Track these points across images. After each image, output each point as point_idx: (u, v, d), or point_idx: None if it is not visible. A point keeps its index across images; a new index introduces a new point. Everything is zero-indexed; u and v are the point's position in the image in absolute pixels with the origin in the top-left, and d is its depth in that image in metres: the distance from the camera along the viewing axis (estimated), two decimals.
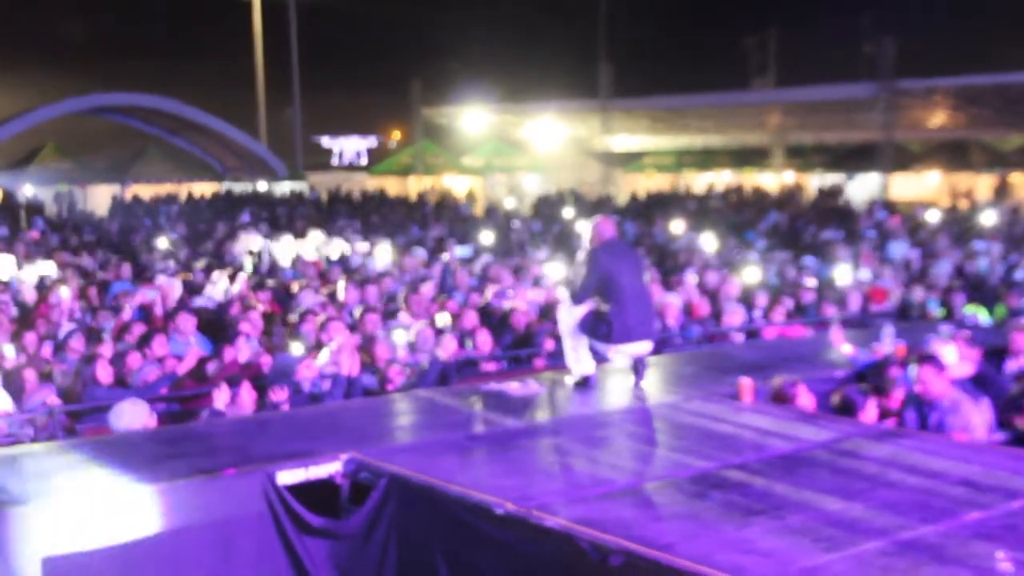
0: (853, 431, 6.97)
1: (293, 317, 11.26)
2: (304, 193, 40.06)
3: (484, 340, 10.78)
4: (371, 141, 54.09)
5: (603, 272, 8.23)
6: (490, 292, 13.17)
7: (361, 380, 9.19)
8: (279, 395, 8.55)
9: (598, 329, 8.29)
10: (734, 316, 12.61)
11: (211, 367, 9.78)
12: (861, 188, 35.96)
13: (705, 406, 7.79)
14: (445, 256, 17.47)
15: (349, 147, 53.35)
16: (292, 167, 45.20)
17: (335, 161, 53.19)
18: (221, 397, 8.30)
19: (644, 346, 8.51)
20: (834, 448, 6.53)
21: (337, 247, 18.83)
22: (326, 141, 53.29)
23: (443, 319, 10.38)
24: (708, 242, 19.35)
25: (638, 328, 8.32)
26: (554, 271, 14.81)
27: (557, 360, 10.16)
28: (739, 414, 7.50)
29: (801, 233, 22.08)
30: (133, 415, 7.83)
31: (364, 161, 53.66)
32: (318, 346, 9.85)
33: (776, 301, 13.03)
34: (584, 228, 8.45)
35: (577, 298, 8.46)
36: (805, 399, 7.86)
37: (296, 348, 9.70)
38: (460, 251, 17.58)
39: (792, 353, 9.86)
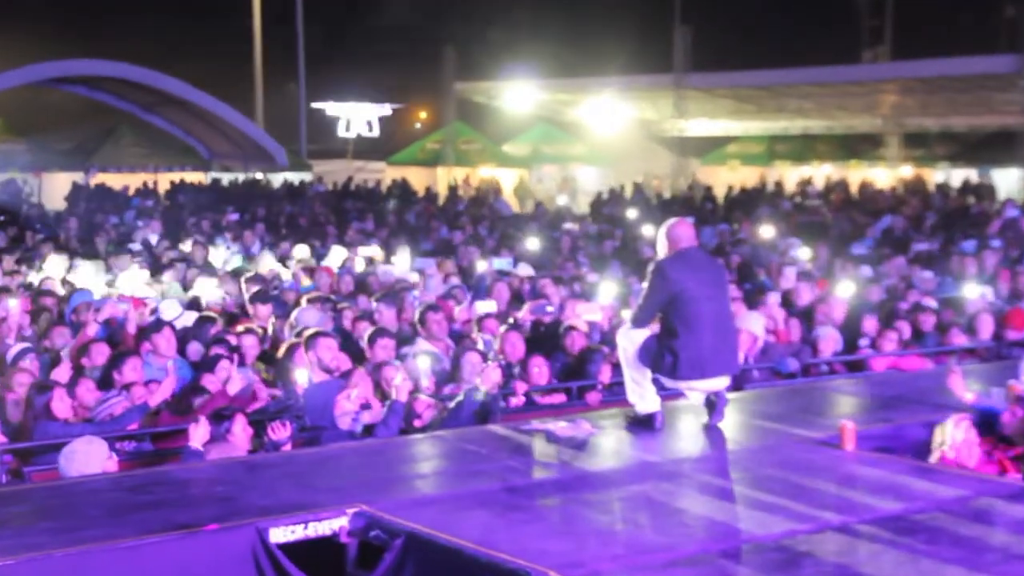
0: (981, 488, 6.92)
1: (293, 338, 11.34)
2: (308, 185, 40.33)
3: (539, 369, 10.83)
4: (385, 109, 54.28)
5: (673, 289, 8.24)
6: (527, 308, 13.18)
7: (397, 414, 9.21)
8: (279, 432, 8.62)
9: (661, 360, 8.30)
10: (834, 343, 12.53)
11: (196, 398, 9.86)
12: (999, 186, 35.64)
13: (796, 454, 7.77)
14: (481, 266, 17.51)
15: (359, 115, 53.57)
16: (294, 154, 45.53)
17: (341, 131, 53.40)
18: (198, 433, 8.34)
19: (720, 382, 8.50)
20: (957, 509, 6.49)
21: (338, 255, 18.95)
22: (331, 108, 53.56)
23: (483, 341, 10.46)
24: (804, 252, 19.27)
25: (714, 360, 8.32)
26: (613, 286, 14.81)
27: (615, 394, 10.17)
28: (839, 464, 7.48)
29: (921, 242, 21.92)
30: (87, 457, 7.84)
31: (376, 132, 53.81)
32: (328, 372, 9.92)
33: (888, 325, 12.95)
34: (653, 233, 8.45)
35: (638, 320, 8.49)
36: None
37: (300, 375, 9.77)
38: (499, 263, 17.62)
39: (907, 390, 9.81)
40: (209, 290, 15.04)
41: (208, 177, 42.45)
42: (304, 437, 9.08)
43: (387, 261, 18.85)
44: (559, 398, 10.81)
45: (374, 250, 19.66)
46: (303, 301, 13.49)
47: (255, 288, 14.01)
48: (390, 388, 9.73)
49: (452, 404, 9.39)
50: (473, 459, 7.75)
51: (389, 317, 12.89)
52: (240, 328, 12.14)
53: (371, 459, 7.87)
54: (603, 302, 13.56)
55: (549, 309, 13.16)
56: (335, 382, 9.45)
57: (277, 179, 41.46)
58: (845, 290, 14.58)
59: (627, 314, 9.11)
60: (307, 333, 10.37)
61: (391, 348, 11.04)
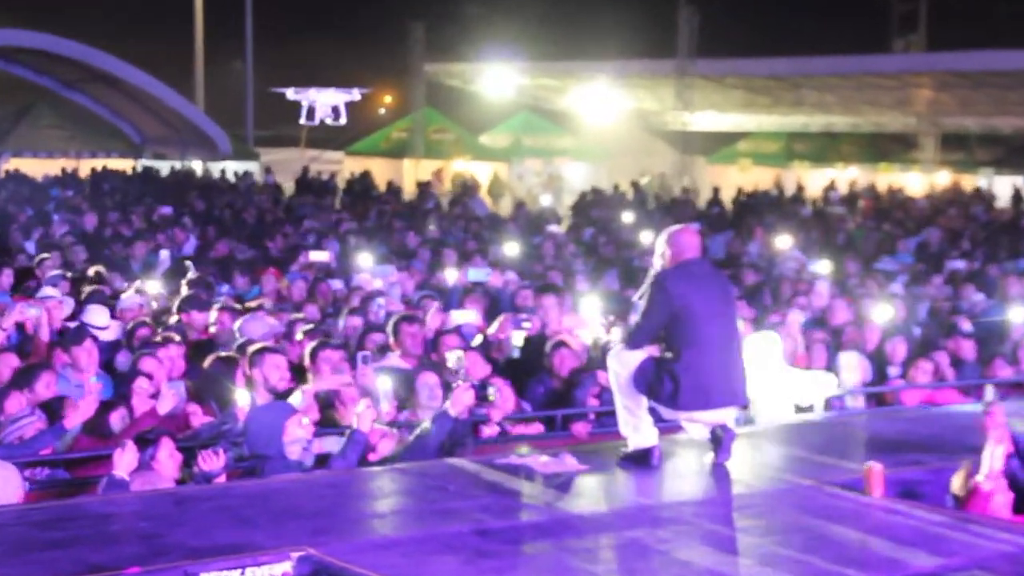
0: None
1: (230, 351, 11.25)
2: (255, 177, 40.27)
3: (502, 394, 10.71)
4: (353, 94, 54.23)
5: (675, 305, 8.23)
6: (499, 322, 13.10)
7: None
8: (212, 462, 8.53)
9: (660, 387, 8.28)
10: (860, 372, 12.53)
11: (116, 419, 9.77)
12: None
13: (815, 500, 7.73)
14: (451, 274, 17.47)
15: (323, 101, 53.49)
16: (239, 141, 45.50)
17: (302, 119, 53.33)
18: (124, 460, 8.26)
19: (727, 413, 8.49)
20: (999, 566, 6.47)
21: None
22: (291, 94, 53.54)
23: (455, 359, 10.33)
24: (826, 267, 19.29)
25: (721, 387, 8.31)
26: (604, 299, 14.77)
27: (605, 425, 10.12)
28: (864, 513, 7.45)
29: (955, 259, 21.99)
30: None
31: (343, 120, 53.77)
32: (275, 393, 9.85)
33: (922, 354, 12.95)
34: (652, 241, 8.42)
35: (633, 340, 8.47)
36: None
37: (242, 397, 9.69)
38: (474, 273, 17.57)
39: (942, 428, 9.80)
40: (132, 296, 14.91)
41: (139, 165, 42.33)
42: (244, 467, 9.00)
43: (343, 266, 18.76)
44: (539, 427, 10.76)
45: (324, 254, 19.54)
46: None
47: (191, 292, 13.94)
48: (346, 414, 9.65)
49: (415, 433, 9.33)
50: (440, 497, 7.69)
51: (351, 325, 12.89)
52: (159, 338, 12.03)
53: (321, 494, 7.81)
54: (597, 316, 13.48)
55: (526, 325, 13.10)
56: (283, 405, 9.38)
57: (219, 168, 41.35)
58: (881, 313, 14.57)
59: (619, 333, 9.04)
60: (252, 348, 10.29)
61: (340, 363, 10.94)
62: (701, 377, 8.20)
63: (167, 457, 8.61)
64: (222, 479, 8.53)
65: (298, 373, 10.77)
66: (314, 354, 10.92)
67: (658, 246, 8.68)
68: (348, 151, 48.78)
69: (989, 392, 10.99)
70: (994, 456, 7.79)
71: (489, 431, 10.36)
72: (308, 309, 14.55)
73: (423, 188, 37.12)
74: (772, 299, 16.86)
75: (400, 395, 10.43)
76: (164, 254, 19.44)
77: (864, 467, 7.98)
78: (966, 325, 14.70)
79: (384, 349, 11.87)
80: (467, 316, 13.63)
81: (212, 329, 12.91)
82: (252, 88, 49.72)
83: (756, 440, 9.42)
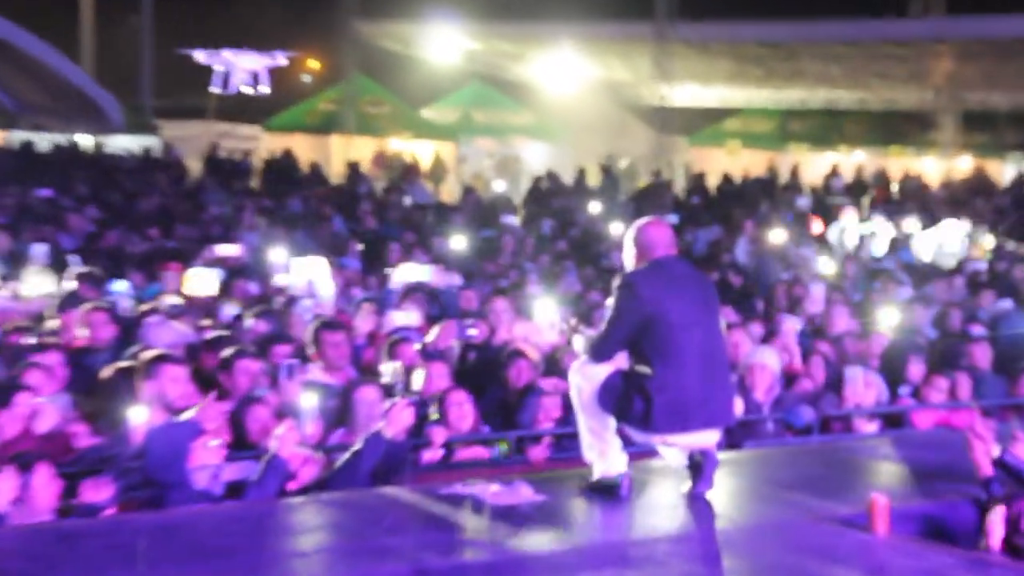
0: None
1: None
2: (154, 153, 40.06)
3: (460, 408, 10.75)
4: (276, 59, 54.06)
5: (646, 311, 8.28)
6: (439, 329, 13.12)
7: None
8: (96, 493, 8.52)
9: (630, 406, 8.32)
10: (864, 390, 12.60)
11: None
12: None
13: (810, 537, 7.79)
14: (389, 273, 17.51)
15: (241, 66, 53.24)
16: (135, 112, 45.28)
17: (214, 87, 53.09)
18: (2, 489, 8.25)
19: (709, 436, 8.54)
20: None
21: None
22: (200, 57, 53.28)
23: (391, 371, 10.33)
24: (826, 265, 19.39)
25: (701, 406, 8.35)
26: (565, 303, 14.83)
27: (567, 449, 10.18)
28: (867, 553, 7.52)
29: (975, 259, 22.15)
30: None
31: (265, 88, 53.57)
32: (174, 410, 9.84)
33: (938, 369, 13.05)
34: (620, 234, 8.48)
35: (599, 351, 8.52)
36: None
37: (137, 414, 9.67)
38: (413, 272, 17.52)
39: (959, 455, 9.83)
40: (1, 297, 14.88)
41: (12, 137, 42.02)
42: (141, 498, 8.99)
43: (258, 263, 18.70)
44: (484, 452, 10.81)
45: (234, 248, 19.47)
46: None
47: (74, 290, 13.90)
48: (261, 435, 9.65)
49: (343, 458, 9.35)
50: (372, 532, 7.71)
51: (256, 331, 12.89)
52: (33, 340, 11.99)
53: (232, 530, 7.81)
54: (556, 323, 13.55)
55: (472, 332, 13.14)
56: (187, 425, 9.35)
57: (112, 144, 41.10)
58: (887, 320, 14.67)
59: (580, 343, 9.06)
60: (146, 356, 10.26)
61: (259, 375, 10.95)
62: (677, 394, 8.24)
63: (44, 485, 8.55)
64: (110, 512, 8.51)
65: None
66: (229, 364, 10.94)
67: (625, 242, 8.74)
68: (266, 126, 48.49)
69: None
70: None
71: (431, 455, 10.39)
72: (222, 310, 14.52)
73: (355, 170, 36.97)
74: (763, 305, 16.97)
75: (325, 414, 10.45)
76: (40, 247, 19.28)
77: (868, 499, 8.05)
78: (978, 330, 14.84)
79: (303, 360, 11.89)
80: (406, 318, 13.63)
81: (82, 333, 12.74)
82: (151, 49, 49.45)
83: (742, 467, 9.48)
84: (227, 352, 11.19)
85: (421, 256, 19.54)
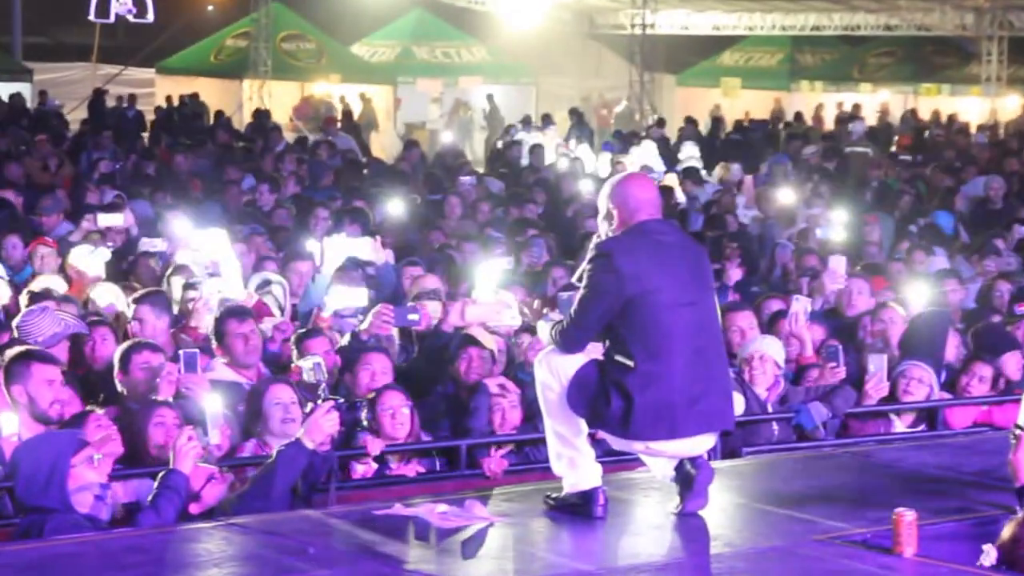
0: None
1: None
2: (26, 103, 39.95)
3: (395, 413, 10.73)
4: None
5: (627, 290, 8.31)
6: (374, 315, 13.05)
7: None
8: None
9: (606, 406, 8.34)
10: (917, 385, 12.57)
11: None
12: None
13: (824, 561, 7.83)
14: (313, 246, 17.46)
15: None
16: (2, 52, 45.11)
17: (91, 15, 52.74)
18: None
19: (702, 443, 8.56)
20: None
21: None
22: None
23: (310, 367, 10.31)
24: (840, 230, 19.37)
25: (691, 407, 8.38)
26: (527, 280, 14.82)
27: (530, 459, 10.29)
28: None
29: None
30: None
31: (150, 16, 53.18)
32: (47, 420, 9.82)
33: (979, 355, 13.08)
34: (592, 193, 8.44)
35: (567, 339, 8.53)
36: None
37: (7, 423, 9.66)
38: (342, 243, 17.45)
39: (1001, 460, 9.89)
40: None
41: None
42: (11, 526, 8.97)
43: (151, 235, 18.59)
44: (430, 462, 10.84)
45: (119, 217, 19.29)
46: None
47: None
48: (164, 447, 9.64)
49: (256, 473, 9.34)
50: (294, 564, 7.72)
51: (156, 328, 12.82)
52: None
53: (125, 562, 7.82)
54: (515, 304, 13.45)
55: (413, 318, 13.12)
56: (66, 436, 9.31)
57: None
58: (915, 296, 14.69)
59: (545, 329, 9.01)
60: (11, 354, 10.20)
61: (160, 369, 10.93)
62: (663, 392, 8.27)
63: None
64: None
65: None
66: (126, 358, 10.94)
67: (600, 203, 8.73)
68: (161, 67, 48.40)
69: None
70: None
71: (364, 469, 10.39)
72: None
73: (263, 120, 36.81)
74: (765, 279, 16.98)
75: (231, 420, 10.43)
76: None
77: (892, 515, 8.07)
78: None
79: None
80: (352, 297, 13.48)
81: None
82: None
83: (742, 479, 9.52)
84: (124, 346, 11.20)
85: (352, 226, 19.44)
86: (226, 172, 26.18)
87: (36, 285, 14.45)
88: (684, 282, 8.44)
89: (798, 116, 38.76)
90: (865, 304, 14.72)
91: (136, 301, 13.28)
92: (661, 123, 38.07)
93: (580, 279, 8.58)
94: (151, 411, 10.19)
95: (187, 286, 14.53)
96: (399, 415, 10.72)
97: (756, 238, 20.60)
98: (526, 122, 36.85)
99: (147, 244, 17.03)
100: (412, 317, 12.98)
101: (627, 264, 8.30)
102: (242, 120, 39.63)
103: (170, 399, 10.55)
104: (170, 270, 15.33)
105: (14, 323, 12.34)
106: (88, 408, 10.04)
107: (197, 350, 11.21)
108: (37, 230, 18.76)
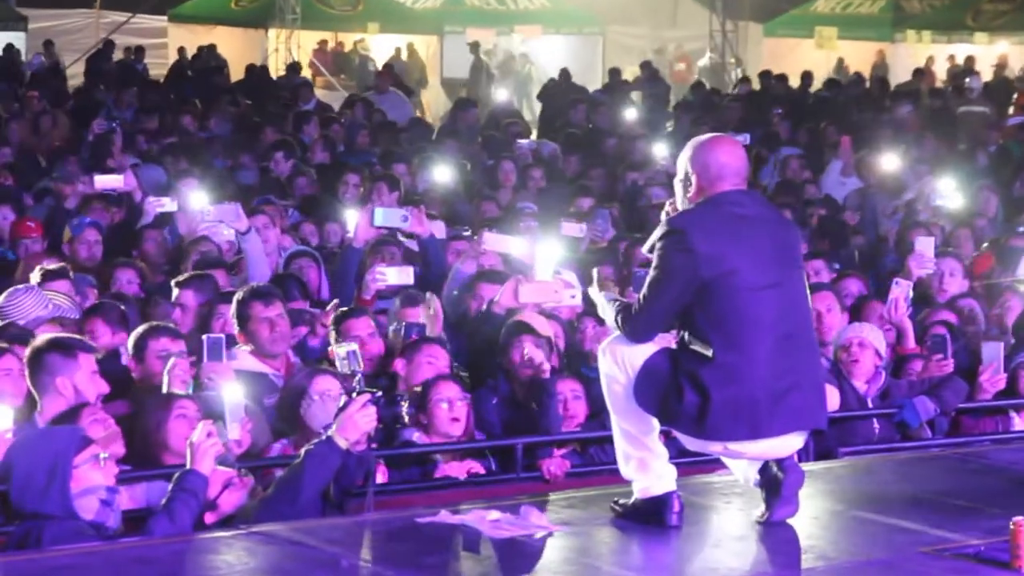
0: None
1: None
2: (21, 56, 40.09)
3: (449, 406, 10.79)
4: None
5: (704, 272, 8.36)
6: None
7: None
8: None
9: (680, 402, 8.39)
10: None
11: None
12: None
13: (931, 575, 7.87)
14: (351, 216, 17.54)
15: None
16: None
17: None
18: None
19: (789, 443, 8.61)
20: None
21: None
22: None
23: (343, 355, 10.34)
24: (953, 200, 19.37)
25: (777, 403, 8.42)
26: (589, 258, 14.88)
27: (595, 460, 10.35)
28: None
29: None
30: None
31: None
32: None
33: None
34: (669, 159, 8.48)
35: (636, 326, 8.58)
36: None
37: (1, 417, 9.75)
38: (383, 216, 17.50)
39: None
40: None
41: None
42: (6, 534, 9.06)
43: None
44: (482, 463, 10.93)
45: (119, 179, 19.27)
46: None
47: None
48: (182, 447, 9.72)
49: (281, 476, 9.40)
50: None
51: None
52: None
53: (134, 575, 7.88)
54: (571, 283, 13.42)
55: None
56: (68, 433, 9.39)
57: None
58: None
59: (609, 312, 8.94)
60: (48, 339, 10.24)
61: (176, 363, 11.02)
62: (745, 386, 8.33)
63: None
64: None
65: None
66: (141, 344, 11.03)
67: (679, 168, 8.76)
68: (173, 15, 48.39)
69: None
70: None
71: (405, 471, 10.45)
72: (121, 274, 14.55)
73: (294, 75, 36.80)
74: (867, 258, 16.97)
75: (254, 413, 10.47)
76: None
77: (1010, 525, 8.08)
78: None
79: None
80: (397, 276, 13.48)
81: None
82: None
83: (837, 482, 9.55)
84: (140, 330, 11.29)
85: (390, 195, 19.46)
86: (264, 134, 26.06)
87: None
88: (767, 261, 8.46)
89: (914, 72, 38.52)
90: (958, 287, 14.70)
91: (179, 285, 13.39)
92: (746, 80, 37.94)
93: (650, 252, 8.57)
94: (171, 403, 10.17)
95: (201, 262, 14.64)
96: (455, 408, 10.75)
97: (853, 210, 20.60)
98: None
99: (154, 204, 17.06)
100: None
101: (703, 243, 8.32)
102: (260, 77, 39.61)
103: (189, 391, 10.61)
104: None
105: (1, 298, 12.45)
106: (83, 404, 9.98)
107: (223, 336, 11.20)
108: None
